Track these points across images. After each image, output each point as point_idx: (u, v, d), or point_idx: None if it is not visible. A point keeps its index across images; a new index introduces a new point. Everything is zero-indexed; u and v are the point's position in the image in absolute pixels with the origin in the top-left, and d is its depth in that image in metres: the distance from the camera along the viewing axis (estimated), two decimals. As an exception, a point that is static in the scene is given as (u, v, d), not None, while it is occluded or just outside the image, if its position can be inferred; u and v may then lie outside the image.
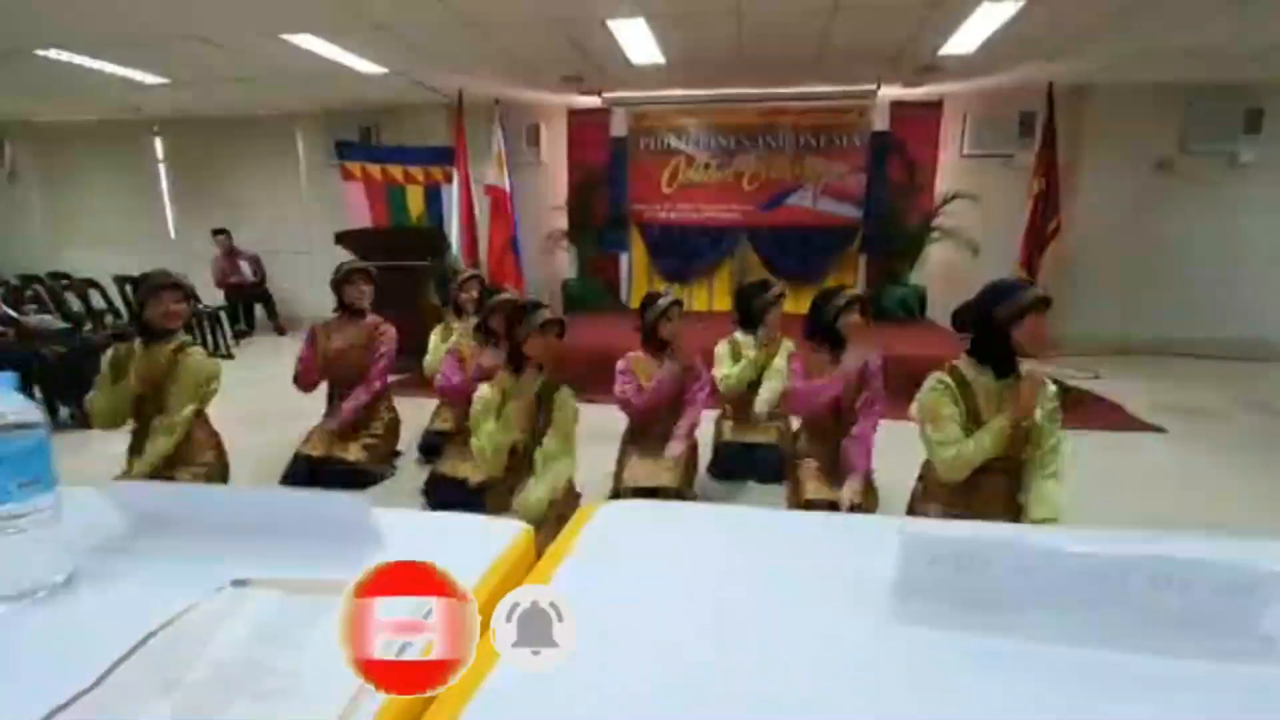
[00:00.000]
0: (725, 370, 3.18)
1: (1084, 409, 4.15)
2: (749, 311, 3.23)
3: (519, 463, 2.37)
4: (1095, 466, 3.26)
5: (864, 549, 0.73)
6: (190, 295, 2.58)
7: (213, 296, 7.12)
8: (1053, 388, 1.99)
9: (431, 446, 3.33)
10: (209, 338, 6.44)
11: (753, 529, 0.83)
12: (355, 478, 3.03)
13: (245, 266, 7.37)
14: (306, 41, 5.04)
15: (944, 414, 1.97)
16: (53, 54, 5.32)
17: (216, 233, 7.36)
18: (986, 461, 1.96)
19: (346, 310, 3.20)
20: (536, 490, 2.22)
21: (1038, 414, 1.94)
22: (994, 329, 1.94)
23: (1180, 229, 6.24)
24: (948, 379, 2.01)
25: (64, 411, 4.07)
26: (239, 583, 0.66)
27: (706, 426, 3.32)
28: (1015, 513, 2.01)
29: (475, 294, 3.45)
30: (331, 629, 0.58)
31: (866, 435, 2.62)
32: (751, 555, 0.75)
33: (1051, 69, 5.51)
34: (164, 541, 0.74)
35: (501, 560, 0.78)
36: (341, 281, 3.16)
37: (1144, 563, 0.53)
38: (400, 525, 0.82)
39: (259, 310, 7.70)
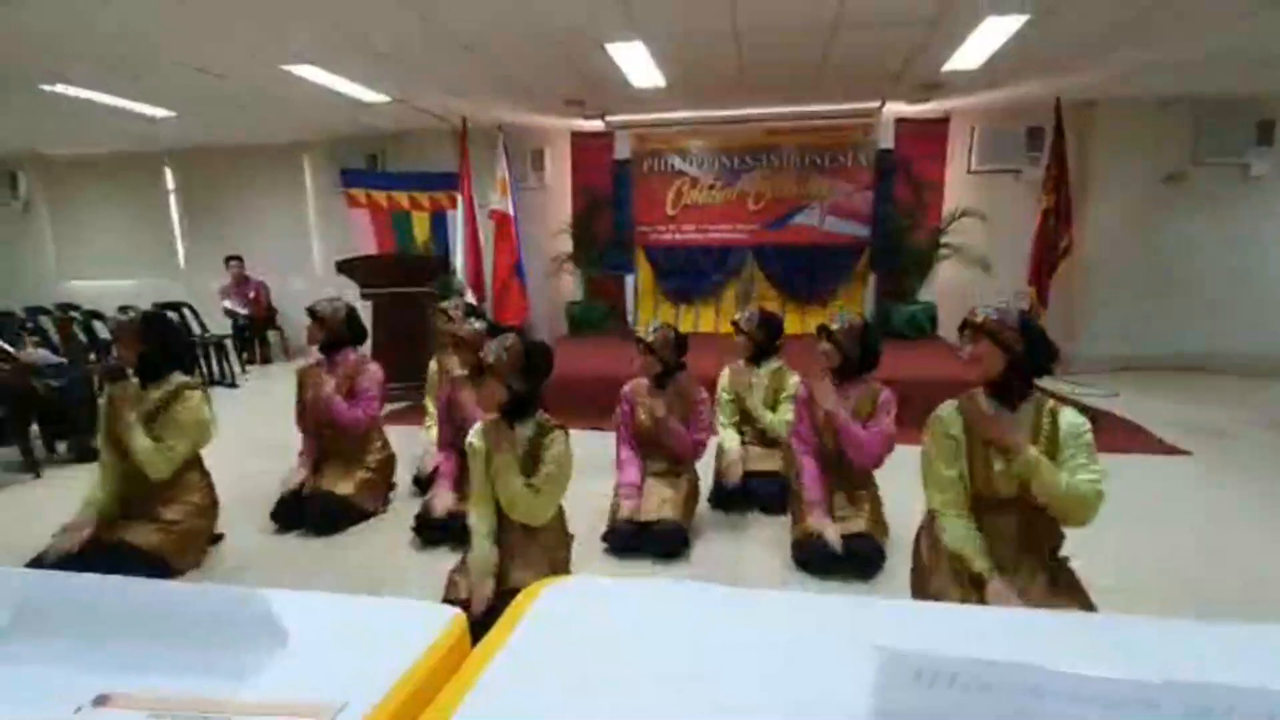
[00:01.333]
0: (724, 420, 3.19)
1: (1105, 431, 3.99)
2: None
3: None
4: (1118, 493, 3.10)
5: (841, 641, 0.62)
6: (135, 337, 2.52)
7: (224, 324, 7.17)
8: (1076, 421, 1.79)
9: (425, 479, 3.24)
10: (214, 367, 6.42)
11: (713, 612, 0.72)
12: (346, 513, 2.94)
13: (232, 302, 7.36)
14: (310, 72, 5.07)
15: (932, 460, 1.91)
16: (59, 89, 5.39)
17: (230, 259, 7.41)
18: (998, 499, 1.85)
19: (326, 352, 3.13)
20: (516, 489, 1.99)
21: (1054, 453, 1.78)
22: None
23: (1193, 243, 6.08)
24: (944, 410, 1.93)
25: (61, 447, 4.03)
26: (100, 700, 0.57)
27: (708, 455, 3.21)
28: (1026, 549, 1.88)
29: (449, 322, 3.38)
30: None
31: (867, 440, 2.48)
32: (707, 646, 0.65)
33: (1059, 82, 5.42)
34: (33, 641, 0.65)
35: (432, 650, 0.69)
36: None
37: (1180, 691, 0.42)
38: (320, 612, 0.73)
39: (273, 338, 7.72)
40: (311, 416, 3.06)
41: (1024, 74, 5.18)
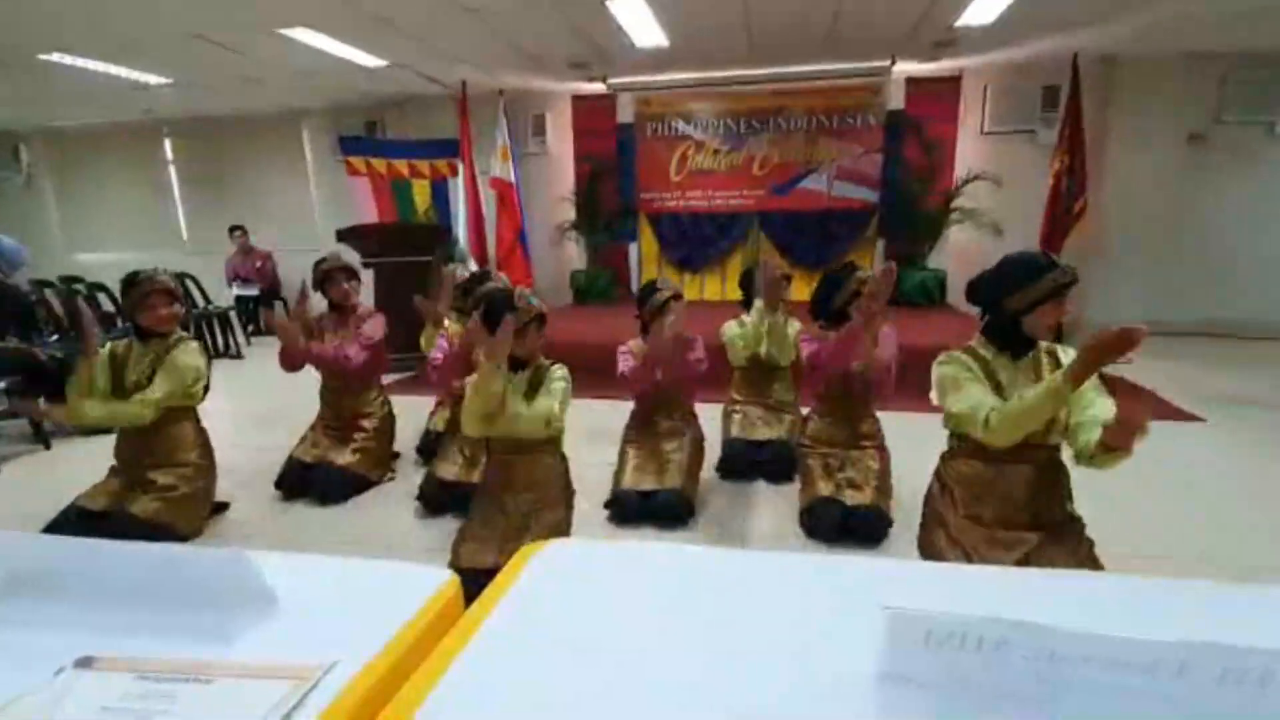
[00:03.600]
0: (731, 335, 3.05)
1: (1116, 397, 3.93)
2: (752, 292, 3.13)
3: (512, 463, 2.25)
4: (1129, 461, 3.07)
5: (848, 602, 0.60)
6: (179, 297, 2.54)
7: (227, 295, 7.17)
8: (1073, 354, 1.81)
9: (429, 448, 3.24)
10: (219, 338, 6.43)
11: (715, 573, 0.70)
12: (351, 481, 2.95)
13: (240, 285, 7.34)
14: (308, 36, 4.96)
15: (964, 378, 1.79)
16: (55, 58, 5.30)
17: (233, 229, 7.38)
18: (1008, 450, 1.77)
19: (335, 309, 3.10)
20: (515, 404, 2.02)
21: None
22: (1005, 316, 1.78)
23: (1214, 204, 5.93)
24: (961, 354, 1.85)
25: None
26: (83, 662, 0.55)
27: (713, 423, 3.19)
28: (1041, 508, 1.85)
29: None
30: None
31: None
32: (705, 609, 0.62)
33: (1077, 38, 5.24)
34: (19, 604, 0.63)
35: (424, 611, 0.67)
36: (322, 281, 3.04)
37: (1212, 653, 0.40)
38: (310, 574, 0.71)
39: (279, 309, 7.72)
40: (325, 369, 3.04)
41: (1040, 29, 5.01)
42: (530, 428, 2.07)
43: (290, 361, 2.85)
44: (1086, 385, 1.68)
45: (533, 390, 2.17)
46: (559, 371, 2.19)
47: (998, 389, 1.79)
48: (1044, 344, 1.82)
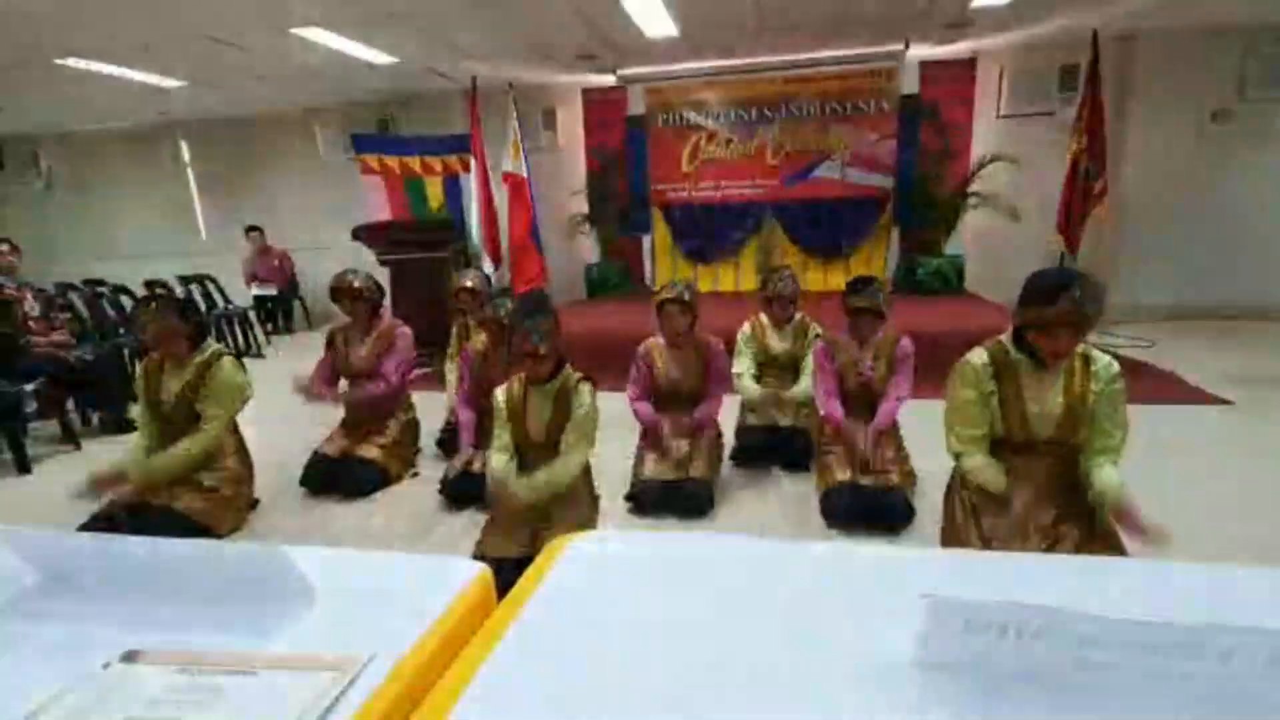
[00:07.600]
0: (739, 370, 3.04)
1: (1139, 381, 3.88)
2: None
3: (535, 461, 2.26)
4: (1154, 444, 3.02)
5: (883, 590, 0.60)
6: (185, 312, 2.56)
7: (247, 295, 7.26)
8: (1109, 362, 1.78)
9: (448, 441, 3.27)
10: (239, 337, 6.51)
11: (746, 562, 0.70)
12: (375, 477, 2.98)
13: (259, 286, 7.42)
14: (318, 35, 4.99)
15: (960, 401, 1.85)
16: (71, 63, 5.37)
17: (249, 230, 7.46)
18: (1035, 443, 1.82)
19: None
20: (536, 477, 2.12)
21: (1090, 397, 1.75)
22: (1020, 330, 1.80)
23: (1239, 183, 5.80)
24: (976, 360, 1.85)
25: (95, 418, 4.14)
26: (129, 656, 0.56)
27: (730, 411, 3.18)
28: (1062, 498, 1.84)
29: (472, 301, 3.35)
30: (230, 713, 0.48)
31: (888, 410, 2.57)
32: (737, 597, 0.63)
33: (1095, 14, 5.12)
34: (65, 600, 0.65)
35: (457, 603, 0.68)
36: (333, 299, 3.11)
37: (1259, 637, 0.39)
38: (345, 568, 0.73)
39: (297, 308, 7.80)
40: (352, 377, 3.13)
41: (1057, 6, 4.90)
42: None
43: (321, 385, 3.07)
44: (1106, 409, 1.74)
45: (559, 403, 2.18)
46: (586, 399, 2.17)
47: (1015, 389, 1.80)
48: (1079, 349, 1.79)
